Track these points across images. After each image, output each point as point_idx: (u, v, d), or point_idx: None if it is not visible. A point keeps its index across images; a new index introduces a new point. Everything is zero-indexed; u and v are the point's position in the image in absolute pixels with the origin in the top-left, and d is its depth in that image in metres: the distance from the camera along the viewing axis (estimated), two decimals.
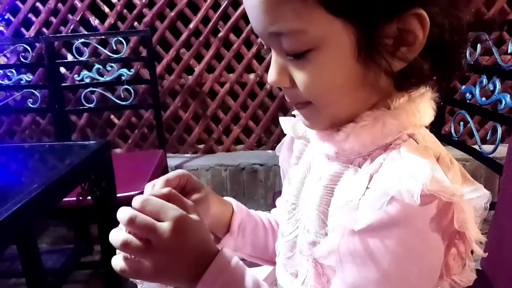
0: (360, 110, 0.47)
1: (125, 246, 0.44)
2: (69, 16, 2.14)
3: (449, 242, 0.45)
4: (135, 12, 2.11)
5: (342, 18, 0.42)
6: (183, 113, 2.25)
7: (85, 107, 2.00)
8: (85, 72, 1.95)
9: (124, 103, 1.99)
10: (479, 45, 1.25)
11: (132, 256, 0.45)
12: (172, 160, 2.17)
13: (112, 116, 2.27)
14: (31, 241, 1.38)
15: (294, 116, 0.61)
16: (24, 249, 1.36)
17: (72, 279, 1.74)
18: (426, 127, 0.50)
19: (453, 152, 1.22)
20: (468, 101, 1.31)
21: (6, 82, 1.98)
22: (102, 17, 2.14)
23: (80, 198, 1.08)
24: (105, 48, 2.04)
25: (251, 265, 0.62)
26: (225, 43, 2.16)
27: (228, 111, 2.25)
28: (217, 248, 0.49)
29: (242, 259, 0.51)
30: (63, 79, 2.14)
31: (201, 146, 2.32)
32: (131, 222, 0.44)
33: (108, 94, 2.03)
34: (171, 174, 0.58)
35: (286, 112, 2.21)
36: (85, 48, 2.07)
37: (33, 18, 2.14)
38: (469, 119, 1.30)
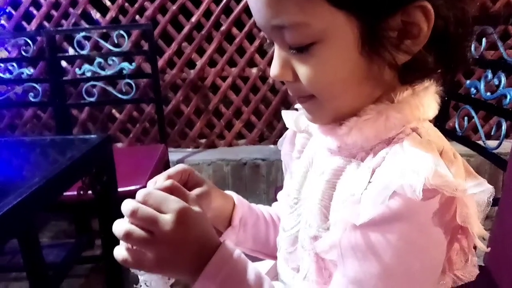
0: (363, 104, 0.47)
1: (128, 236, 0.44)
2: (71, 9, 2.13)
3: (451, 237, 0.45)
4: (136, 5, 2.10)
5: (345, 11, 0.41)
6: (185, 107, 2.24)
7: (86, 101, 1.99)
8: (86, 66, 1.95)
9: (125, 97, 1.98)
10: (484, 39, 1.23)
11: (135, 247, 0.45)
12: (174, 154, 2.17)
13: (113, 110, 2.27)
14: (32, 235, 1.38)
15: (296, 110, 0.61)
16: (25, 243, 1.36)
17: (73, 273, 1.74)
18: (430, 121, 0.50)
19: (457, 148, 1.21)
20: (472, 96, 1.30)
21: (7, 75, 1.98)
22: (104, 10, 2.13)
23: (81, 192, 1.08)
24: (106, 42, 2.03)
25: (253, 259, 0.62)
26: (227, 37, 2.14)
27: (230, 105, 2.24)
28: (220, 240, 0.48)
29: (244, 254, 0.50)
30: (64, 73, 2.14)
31: (203, 140, 2.32)
32: (134, 214, 0.44)
33: (110, 88, 2.02)
34: (172, 170, 0.58)
35: (288, 106, 2.20)
36: (86, 41, 2.06)
37: (34, 12, 2.13)
38: (474, 114, 1.29)
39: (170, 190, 0.47)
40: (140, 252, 0.45)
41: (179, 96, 2.22)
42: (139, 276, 0.51)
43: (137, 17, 2.13)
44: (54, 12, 2.13)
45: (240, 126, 2.27)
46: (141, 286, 0.52)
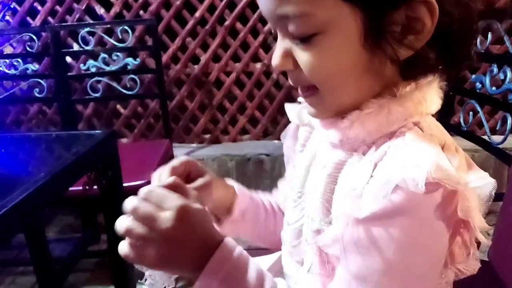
0: (364, 98, 0.47)
1: (128, 232, 0.45)
2: (75, 5, 2.13)
3: (454, 230, 0.45)
4: (140, 0, 2.10)
5: (350, 3, 0.41)
6: (189, 102, 2.24)
7: (91, 97, 2.00)
8: (91, 62, 1.95)
9: (130, 92, 1.99)
10: (490, 34, 1.22)
11: (138, 244, 0.45)
12: (178, 150, 2.17)
13: (118, 106, 2.27)
14: (39, 230, 1.39)
15: (300, 103, 0.61)
16: (32, 238, 1.37)
17: (79, 268, 1.75)
18: (435, 116, 0.50)
19: (462, 143, 1.21)
20: (478, 90, 1.29)
21: (12, 71, 1.99)
22: (108, 5, 2.13)
23: (87, 187, 1.09)
24: (110, 37, 2.03)
25: (257, 253, 0.62)
26: (231, 32, 2.14)
27: (234, 100, 2.24)
28: (221, 237, 0.48)
29: (246, 249, 0.50)
30: (69, 68, 2.14)
31: (207, 136, 2.32)
32: (135, 211, 0.45)
33: (114, 84, 2.03)
34: (176, 162, 0.59)
35: (292, 101, 2.17)
36: (90, 37, 2.06)
37: (39, 7, 2.13)
38: (479, 109, 1.28)
39: (172, 187, 0.48)
40: (142, 249, 0.45)
41: (183, 91, 2.22)
42: (144, 271, 0.52)
43: (141, 12, 2.12)
44: (58, 8, 2.13)
45: (244, 121, 2.27)
46: (146, 280, 0.53)
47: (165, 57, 2.14)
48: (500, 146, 1.19)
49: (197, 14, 2.10)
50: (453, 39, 0.44)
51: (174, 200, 0.45)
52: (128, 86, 1.99)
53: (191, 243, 0.46)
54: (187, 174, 0.61)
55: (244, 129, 2.30)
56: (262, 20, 2.05)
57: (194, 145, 2.32)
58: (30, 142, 1.18)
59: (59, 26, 1.96)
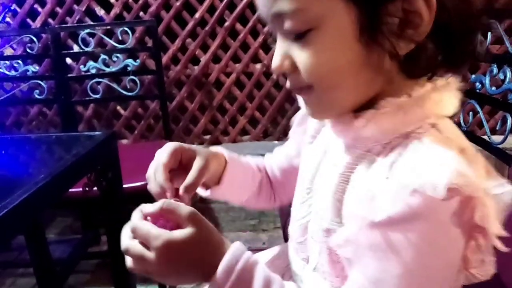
0: (362, 97, 0.46)
1: (126, 252, 0.47)
2: (75, 6, 2.13)
3: (468, 235, 0.44)
4: (140, 2, 2.10)
5: None
6: (189, 103, 2.24)
7: (91, 98, 2.00)
8: (91, 63, 1.95)
9: (130, 93, 1.99)
10: (489, 34, 1.22)
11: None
12: None
13: (118, 107, 2.27)
14: (39, 231, 1.39)
15: None
16: (32, 239, 1.37)
17: (80, 269, 1.75)
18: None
19: None
20: (477, 90, 1.29)
21: (13, 73, 1.98)
22: (108, 7, 2.13)
23: (87, 188, 1.08)
24: (110, 39, 2.03)
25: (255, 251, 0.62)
26: (231, 32, 2.14)
27: (234, 101, 2.24)
28: (223, 249, 0.48)
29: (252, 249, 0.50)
30: (69, 70, 2.14)
31: (207, 137, 2.32)
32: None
33: (114, 85, 2.03)
34: (165, 156, 0.59)
35: (293, 102, 2.19)
36: (91, 38, 2.06)
37: (39, 9, 2.13)
38: (479, 109, 1.28)
39: (160, 214, 0.48)
40: (144, 265, 0.47)
41: (183, 92, 2.22)
42: None
43: (141, 13, 2.12)
44: (58, 9, 2.13)
45: (244, 122, 2.27)
46: None
47: (165, 58, 2.14)
48: (500, 146, 1.18)
49: (197, 15, 2.11)
50: (453, 35, 0.43)
51: (154, 241, 0.46)
52: (128, 87, 1.99)
53: (184, 272, 0.47)
54: (179, 163, 0.61)
55: (244, 129, 2.30)
56: (262, 21, 2.04)
57: (194, 146, 2.31)
58: (31, 144, 1.18)
59: (59, 28, 1.96)
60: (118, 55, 1.94)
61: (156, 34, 1.90)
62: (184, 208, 0.48)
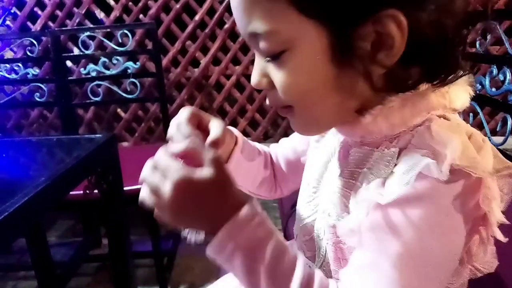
0: (346, 114, 0.47)
1: (143, 181, 0.47)
2: (75, 9, 2.13)
3: (472, 227, 0.44)
4: (140, 4, 2.11)
5: (314, 19, 0.41)
6: (190, 106, 2.24)
7: (91, 101, 2.00)
8: (91, 66, 1.95)
9: (130, 96, 1.99)
10: (489, 35, 1.23)
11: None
12: None
13: (118, 110, 2.28)
14: (40, 234, 1.39)
15: None
16: (33, 242, 1.37)
17: (81, 272, 1.75)
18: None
19: None
20: (478, 91, 1.29)
21: (13, 76, 1.99)
22: (108, 10, 2.14)
23: (87, 191, 1.08)
24: (110, 41, 2.04)
25: None
26: (231, 35, 2.15)
27: (235, 103, 2.24)
28: (242, 201, 0.45)
29: None
30: (69, 72, 2.15)
31: None
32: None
33: (115, 88, 2.03)
34: (185, 113, 0.59)
35: None
36: (91, 41, 2.07)
37: (39, 12, 2.14)
38: (479, 110, 1.28)
39: (185, 155, 0.46)
40: (157, 205, 0.46)
41: (184, 94, 2.22)
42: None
43: (141, 16, 2.13)
44: (58, 12, 2.14)
45: (244, 124, 2.27)
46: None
47: (165, 61, 2.14)
48: (501, 147, 1.19)
49: (197, 17, 2.11)
50: (431, 50, 0.43)
51: (175, 172, 0.44)
52: (129, 89, 2.00)
53: (199, 210, 0.45)
54: (196, 125, 0.60)
55: (245, 132, 2.30)
56: None
57: None
58: (31, 147, 1.18)
59: (59, 31, 1.96)
60: (118, 57, 1.94)
61: (156, 37, 1.90)
62: (210, 151, 0.47)
